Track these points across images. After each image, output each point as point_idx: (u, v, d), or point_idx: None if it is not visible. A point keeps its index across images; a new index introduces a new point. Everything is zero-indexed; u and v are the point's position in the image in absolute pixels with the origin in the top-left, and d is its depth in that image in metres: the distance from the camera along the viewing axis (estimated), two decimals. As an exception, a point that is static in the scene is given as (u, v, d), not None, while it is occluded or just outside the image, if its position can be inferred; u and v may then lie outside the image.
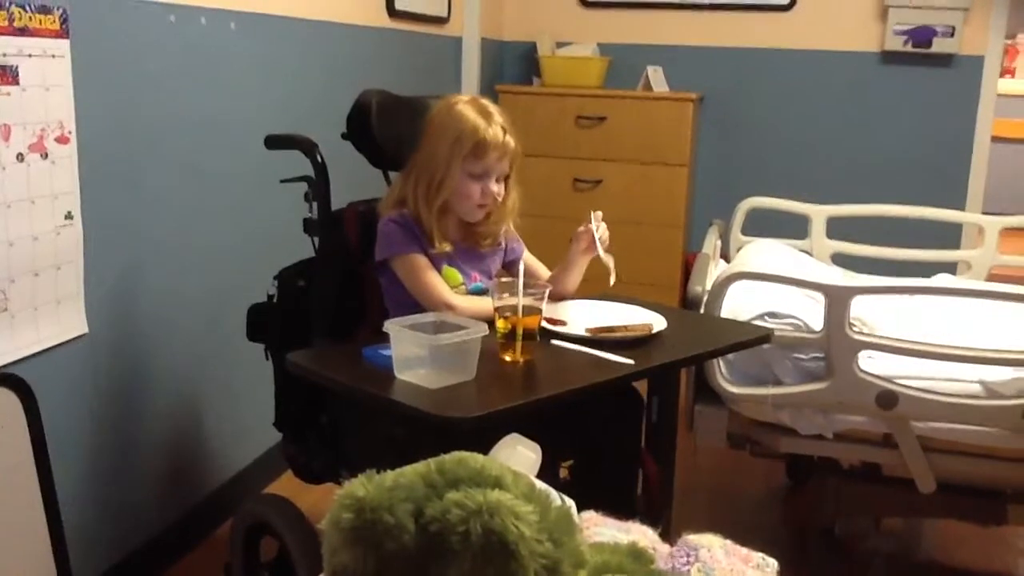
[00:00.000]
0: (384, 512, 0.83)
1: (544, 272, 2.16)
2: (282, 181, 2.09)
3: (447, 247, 2.01)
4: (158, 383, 2.41)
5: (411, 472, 0.89)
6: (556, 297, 2.05)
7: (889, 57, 4.13)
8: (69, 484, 2.07)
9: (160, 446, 2.45)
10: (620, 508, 1.32)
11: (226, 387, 2.67)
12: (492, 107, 2.03)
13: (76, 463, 2.14)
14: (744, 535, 1.24)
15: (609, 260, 2.03)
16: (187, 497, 2.57)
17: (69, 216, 2.02)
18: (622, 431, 2.14)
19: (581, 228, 2.07)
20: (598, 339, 1.86)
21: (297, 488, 2.32)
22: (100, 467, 2.22)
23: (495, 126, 1.98)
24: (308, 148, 2.08)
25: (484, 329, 1.67)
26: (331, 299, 2.12)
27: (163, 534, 2.46)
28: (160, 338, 2.39)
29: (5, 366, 1.89)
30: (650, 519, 1.32)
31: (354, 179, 2.21)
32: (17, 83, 1.85)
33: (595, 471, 2.13)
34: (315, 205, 2.09)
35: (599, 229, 2.04)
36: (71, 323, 2.07)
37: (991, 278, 3.08)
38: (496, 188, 2.01)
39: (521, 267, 1.84)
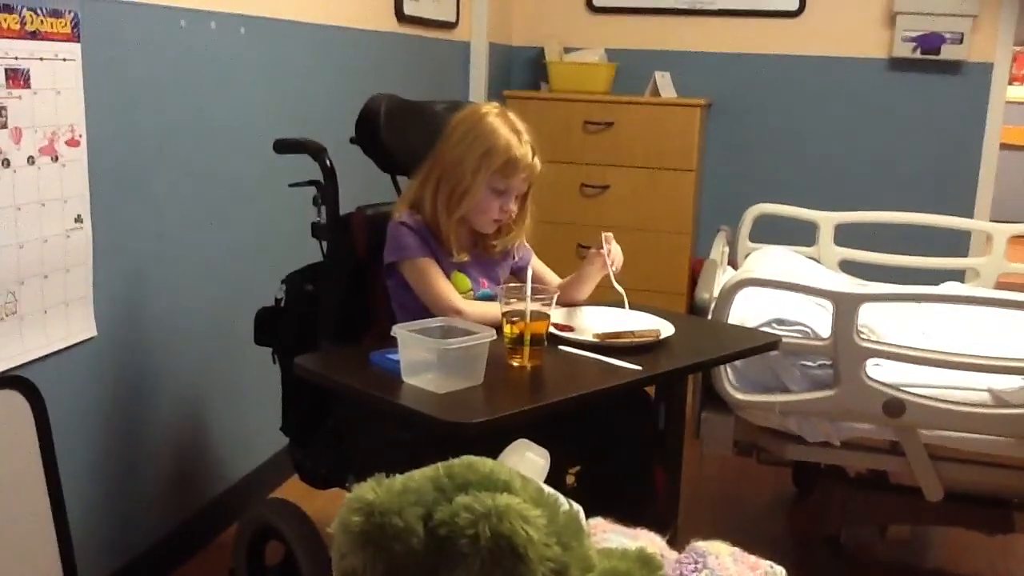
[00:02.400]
0: (393, 515, 0.84)
1: (553, 278, 2.16)
2: (291, 185, 2.10)
3: (465, 257, 2.02)
4: (165, 387, 2.41)
5: (420, 476, 0.89)
6: (565, 306, 2.05)
7: (897, 64, 4.13)
8: (75, 486, 2.08)
9: (166, 449, 2.45)
10: (629, 515, 1.32)
11: (233, 391, 2.67)
12: (520, 123, 2.03)
13: (83, 466, 2.14)
14: (750, 542, 1.24)
15: (621, 288, 2.01)
16: (193, 500, 2.58)
17: (79, 219, 2.03)
18: (630, 437, 2.13)
19: (593, 250, 2.06)
20: (606, 345, 1.86)
21: (303, 493, 2.32)
22: (107, 470, 2.23)
23: (525, 145, 1.99)
24: (317, 152, 2.08)
25: (492, 334, 1.67)
26: (338, 303, 2.12)
27: (169, 537, 2.46)
28: (168, 341, 2.39)
29: (14, 368, 1.90)
30: (658, 526, 1.31)
31: (363, 183, 2.22)
32: (28, 86, 1.86)
33: (602, 477, 2.13)
34: (323, 209, 2.09)
35: (611, 252, 2.04)
36: (80, 326, 2.07)
37: (999, 286, 3.07)
38: (512, 207, 2.02)
39: (529, 273, 1.84)
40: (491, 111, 2.02)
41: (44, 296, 1.96)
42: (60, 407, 1.99)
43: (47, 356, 1.99)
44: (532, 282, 1.77)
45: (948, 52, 4.02)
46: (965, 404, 2.21)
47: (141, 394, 2.33)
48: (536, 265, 2.15)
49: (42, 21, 1.88)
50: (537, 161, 2.00)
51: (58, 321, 2.01)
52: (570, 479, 2.19)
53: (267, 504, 2.37)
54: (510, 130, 1.98)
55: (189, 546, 2.55)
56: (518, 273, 2.13)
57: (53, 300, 1.99)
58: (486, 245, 2.09)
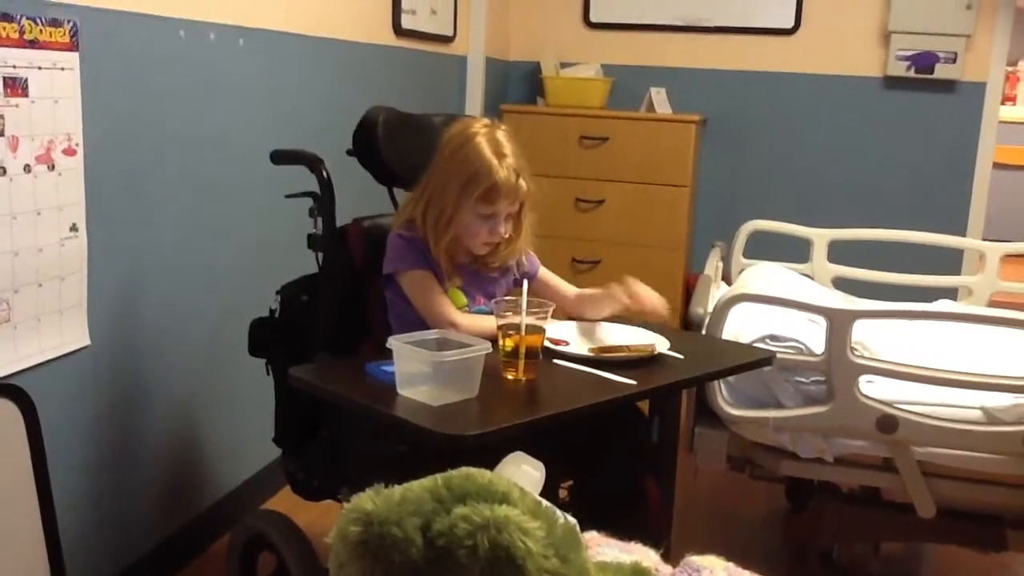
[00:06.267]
0: (392, 526, 0.84)
1: (561, 285, 2.17)
2: (287, 196, 2.10)
3: (457, 283, 2.02)
4: (158, 396, 2.41)
5: (419, 487, 0.89)
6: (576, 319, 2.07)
7: (891, 82, 4.15)
8: (67, 496, 2.07)
9: (159, 459, 2.44)
10: (621, 529, 1.32)
11: (226, 402, 2.67)
12: (507, 144, 1.99)
13: (75, 475, 2.13)
14: (743, 558, 1.24)
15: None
16: (185, 511, 2.57)
17: (74, 228, 2.03)
18: (623, 451, 2.13)
19: (618, 288, 2.06)
20: (601, 359, 1.86)
21: (295, 504, 2.31)
22: (99, 479, 2.22)
23: (507, 169, 1.95)
24: (313, 164, 2.08)
25: (487, 347, 1.68)
26: (333, 314, 2.12)
27: (160, 547, 2.45)
28: (162, 351, 2.39)
29: (6, 377, 1.89)
30: (652, 540, 1.31)
31: (359, 195, 2.22)
32: (26, 95, 1.86)
33: (595, 491, 2.13)
34: (319, 220, 2.09)
35: (637, 295, 2.04)
36: (73, 335, 2.07)
37: (992, 304, 3.08)
38: (503, 229, 2.01)
39: (525, 287, 1.85)
40: (480, 130, 1.99)
41: (38, 304, 1.96)
42: (52, 416, 1.98)
43: (40, 364, 1.98)
44: (542, 291, 1.77)
45: (942, 71, 4.04)
46: (958, 421, 2.21)
47: (134, 403, 2.32)
48: (545, 275, 2.16)
49: (41, 30, 1.88)
50: (522, 183, 1.98)
51: (52, 329, 2.00)
52: (563, 493, 2.19)
53: (259, 515, 2.36)
54: (493, 152, 1.95)
55: (181, 557, 2.53)
56: (531, 283, 2.12)
57: (47, 308, 1.98)
58: (484, 262, 2.09)
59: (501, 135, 2.01)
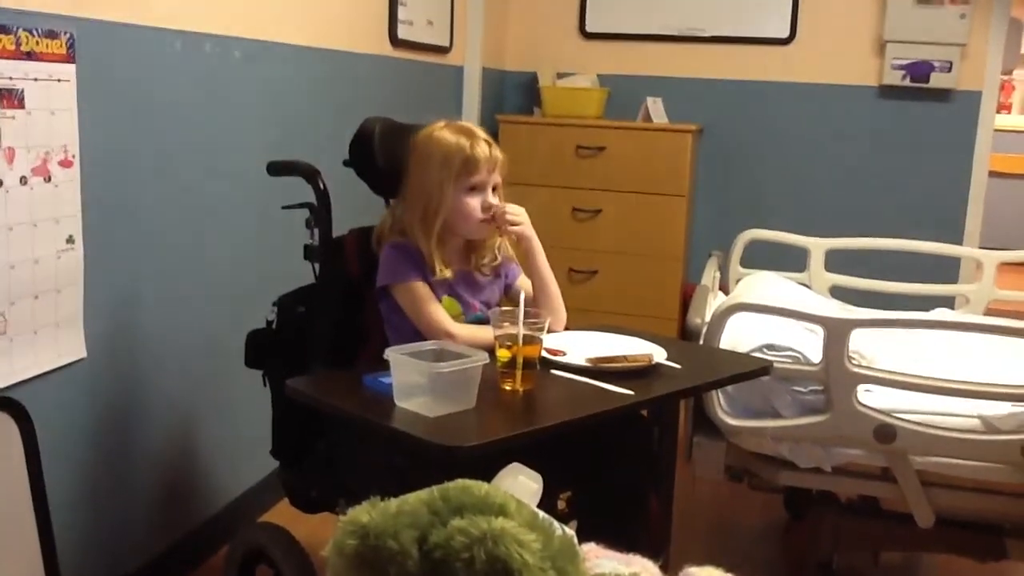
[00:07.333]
0: (388, 538, 0.83)
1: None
2: (284, 207, 2.10)
3: (448, 273, 2.02)
4: (156, 408, 2.40)
5: (415, 499, 0.89)
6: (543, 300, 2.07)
7: (887, 91, 4.16)
8: (64, 508, 2.06)
9: (156, 472, 2.44)
10: (620, 540, 1.32)
11: (224, 413, 2.66)
12: (471, 125, 2.06)
13: (72, 487, 2.12)
14: (742, 568, 1.24)
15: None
16: (183, 523, 2.56)
17: (71, 240, 2.03)
18: (622, 462, 2.13)
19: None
20: (598, 369, 1.86)
21: (293, 516, 2.31)
22: (96, 492, 2.21)
23: (479, 140, 2.01)
24: (310, 175, 2.08)
25: (485, 358, 1.67)
26: (331, 326, 2.11)
27: (158, 560, 2.44)
28: (159, 363, 2.38)
29: (2, 390, 1.88)
30: (651, 551, 1.31)
31: (356, 206, 2.22)
32: (22, 107, 1.86)
33: (595, 502, 2.12)
34: (316, 231, 2.09)
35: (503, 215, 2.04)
36: (70, 347, 2.06)
37: (989, 312, 3.09)
38: (493, 199, 2.03)
39: (522, 296, 1.84)
40: (438, 126, 2.05)
41: (34, 317, 1.95)
42: (49, 429, 1.98)
43: (37, 377, 1.98)
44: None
45: (937, 80, 4.05)
46: (956, 430, 2.21)
47: (131, 416, 2.32)
48: (524, 282, 2.16)
49: (37, 42, 1.88)
50: (496, 152, 2.03)
51: (48, 342, 2.00)
52: (561, 504, 2.18)
53: (257, 528, 2.35)
54: (459, 133, 2.02)
55: (178, 569, 2.52)
56: (508, 291, 2.13)
57: (43, 321, 1.98)
58: (477, 261, 2.09)
59: (462, 122, 2.08)
